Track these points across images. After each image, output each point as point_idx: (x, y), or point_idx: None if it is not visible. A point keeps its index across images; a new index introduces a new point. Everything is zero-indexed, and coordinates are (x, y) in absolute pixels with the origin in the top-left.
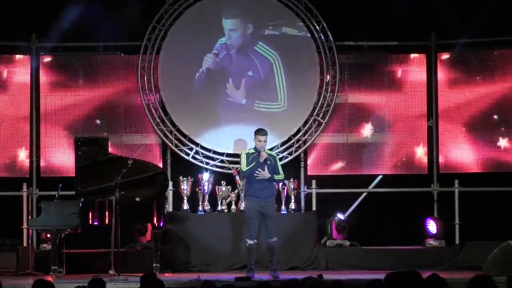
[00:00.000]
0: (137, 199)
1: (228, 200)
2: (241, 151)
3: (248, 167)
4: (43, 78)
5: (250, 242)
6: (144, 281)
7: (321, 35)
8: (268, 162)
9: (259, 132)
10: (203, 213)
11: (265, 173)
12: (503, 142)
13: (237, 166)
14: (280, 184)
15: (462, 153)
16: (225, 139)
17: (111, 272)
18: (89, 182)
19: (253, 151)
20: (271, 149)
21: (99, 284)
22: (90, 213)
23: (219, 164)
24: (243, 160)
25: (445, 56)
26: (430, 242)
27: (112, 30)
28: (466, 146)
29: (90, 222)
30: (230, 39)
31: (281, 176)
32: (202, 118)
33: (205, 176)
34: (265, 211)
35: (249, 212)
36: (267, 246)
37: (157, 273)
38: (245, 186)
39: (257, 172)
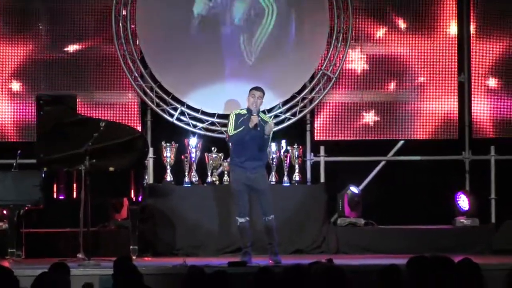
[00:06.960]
0: (111, 168)
1: (219, 170)
2: (231, 111)
3: (236, 131)
4: None
5: (241, 220)
6: (118, 266)
7: None
8: (259, 128)
9: (255, 88)
10: (190, 185)
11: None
12: None
13: None
14: (282, 150)
15: (499, 115)
16: (215, 98)
17: (80, 255)
18: (53, 148)
19: (244, 111)
20: (270, 110)
21: (62, 269)
22: (55, 186)
23: (209, 127)
24: (231, 121)
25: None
26: (461, 220)
27: None
28: (504, 106)
29: (55, 196)
30: None
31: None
32: (189, 73)
33: (192, 141)
34: (255, 185)
35: (235, 184)
36: (264, 226)
37: (135, 257)
38: (231, 154)
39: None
